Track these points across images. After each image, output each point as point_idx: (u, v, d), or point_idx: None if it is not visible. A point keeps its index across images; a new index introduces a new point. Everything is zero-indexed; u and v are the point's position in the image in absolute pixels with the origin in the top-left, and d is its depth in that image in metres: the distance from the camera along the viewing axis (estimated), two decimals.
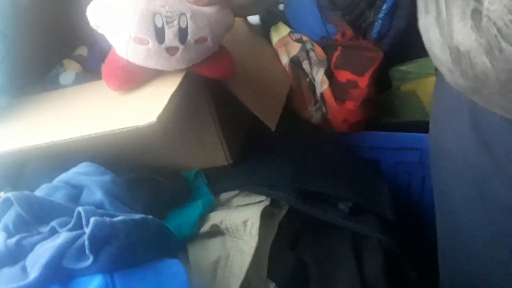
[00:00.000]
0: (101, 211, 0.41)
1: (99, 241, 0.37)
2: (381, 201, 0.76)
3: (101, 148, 0.65)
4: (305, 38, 0.89)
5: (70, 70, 0.75)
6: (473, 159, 0.52)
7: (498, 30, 0.36)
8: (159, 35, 0.54)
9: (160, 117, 0.50)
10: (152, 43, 0.54)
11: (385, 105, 0.91)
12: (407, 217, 0.85)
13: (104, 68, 0.60)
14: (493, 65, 0.38)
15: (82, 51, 0.78)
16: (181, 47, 0.54)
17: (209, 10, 0.56)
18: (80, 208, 0.39)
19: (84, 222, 0.39)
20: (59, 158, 0.59)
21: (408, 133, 0.86)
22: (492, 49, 0.37)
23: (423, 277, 0.69)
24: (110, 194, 0.46)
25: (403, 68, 0.91)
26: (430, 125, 0.63)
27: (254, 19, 0.90)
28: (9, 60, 0.73)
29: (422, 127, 0.87)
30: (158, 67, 0.57)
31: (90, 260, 0.37)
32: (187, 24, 0.54)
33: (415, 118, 0.91)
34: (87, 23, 0.59)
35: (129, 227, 0.39)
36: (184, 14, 0.54)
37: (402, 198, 0.90)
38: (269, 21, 0.92)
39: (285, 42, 0.89)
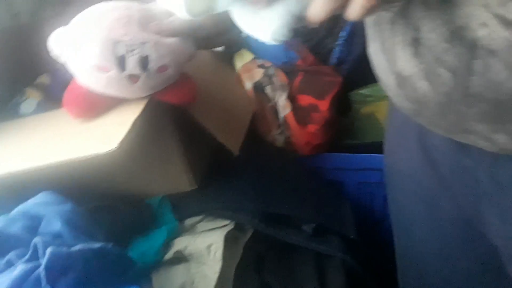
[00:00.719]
0: (58, 241, 0.41)
1: (55, 272, 0.37)
2: (344, 221, 0.78)
3: (62, 177, 0.65)
4: (267, 64, 0.92)
5: (32, 98, 0.75)
6: (422, 177, 0.54)
7: (435, 56, 0.38)
8: (121, 63, 0.55)
9: (121, 144, 0.51)
10: (113, 71, 0.55)
11: (346, 127, 0.94)
12: (371, 237, 0.87)
13: (65, 96, 0.61)
14: (433, 88, 0.40)
15: (44, 79, 0.78)
16: (142, 75, 0.55)
17: (171, 40, 0.58)
18: (36, 239, 0.39)
19: (40, 253, 0.39)
20: (17, 189, 0.59)
21: (369, 154, 0.89)
22: (430, 74, 0.40)
23: None
24: (69, 224, 0.46)
25: (363, 91, 0.95)
26: (384, 146, 0.66)
27: None
28: None
29: (382, 148, 0.91)
30: (119, 94, 0.58)
31: None
32: (149, 53, 0.55)
33: (375, 139, 0.93)
34: (49, 51, 0.60)
35: (87, 256, 0.39)
36: (146, 43, 0.55)
37: (366, 218, 0.92)
38: (233, 47, 0.94)
39: (248, 68, 0.91)
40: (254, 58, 0.93)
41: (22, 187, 0.55)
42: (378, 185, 0.90)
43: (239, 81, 0.90)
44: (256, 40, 1.03)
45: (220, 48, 0.93)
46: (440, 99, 0.41)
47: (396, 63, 0.43)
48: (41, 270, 0.37)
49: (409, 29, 0.40)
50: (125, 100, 0.60)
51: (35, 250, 0.39)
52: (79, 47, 0.56)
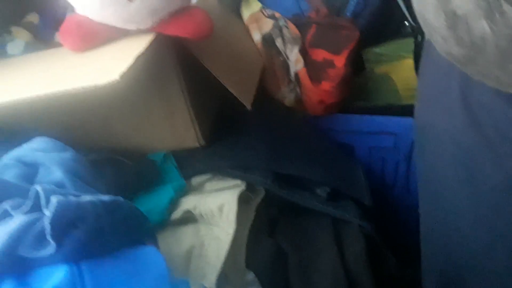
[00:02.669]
0: (62, 190, 0.35)
1: (63, 225, 0.31)
2: (358, 186, 0.74)
3: (57, 122, 0.59)
4: (277, 15, 0.85)
5: (19, 39, 0.67)
6: (462, 137, 0.51)
7: None
8: None
9: (123, 77, 0.44)
10: None
11: (358, 88, 0.89)
12: (381, 203, 0.84)
13: (62, 26, 0.54)
14: (493, 30, 0.36)
15: (33, 18, 0.70)
16: None
17: None
18: (38, 187, 0.33)
19: (42, 203, 0.33)
20: (4, 132, 0.52)
21: (382, 117, 0.85)
22: (492, 12, 0.35)
23: (402, 263, 0.67)
24: (71, 173, 0.40)
25: (377, 50, 0.89)
26: (416, 103, 0.61)
27: None
28: None
29: (396, 111, 0.87)
30: (117, 19, 0.51)
31: (52, 248, 0.31)
32: None
33: (389, 101, 0.89)
34: None
35: (98, 209, 0.34)
36: None
37: (376, 183, 0.88)
38: None
39: (257, 18, 0.84)
40: (263, 8, 0.87)
41: (13, 130, 0.48)
42: (391, 150, 0.86)
43: (247, 32, 0.83)
44: None
45: None
46: (501, 43, 0.36)
47: (450, 0, 0.38)
48: (45, 222, 0.31)
49: None
50: (127, 35, 0.54)
51: (37, 199, 0.33)
52: None
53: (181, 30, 0.54)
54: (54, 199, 0.31)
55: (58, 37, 0.62)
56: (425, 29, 0.48)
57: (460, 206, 0.54)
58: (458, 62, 0.45)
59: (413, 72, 0.84)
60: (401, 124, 0.84)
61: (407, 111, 0.71)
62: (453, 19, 0.39)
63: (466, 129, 0.50)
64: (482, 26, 0.37)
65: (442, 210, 0.57)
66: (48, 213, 0.32)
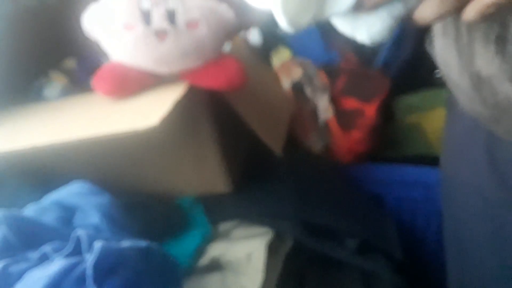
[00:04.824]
0: (101, 235, 0.37)
1: (104, 269, 0.33)
2: (388, 238, 0.74)
3: (89, 169, 0.61)
4: (307, 63, 0.88)
5: (56, 82, 0.71)
6: (488, 193, 0.51)
7: None
8: (146, 17, 0.52)
9: (162, 122, 0.46)
10: (139, 28, 0.52)
11: (388, 137, 0.90)
12: (411, 257, 0.83)
13: (96, 73, 0.58)
14: None
15: (70, 63, 0.74)
16: (170, 30, 0.52)
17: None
18: (80, 231, 0.35)
19: (84, 247, 0.34)
20: (42, 176, 0.55)
21: (413, 167, 0.85)
22: None
23: None
24: (108, 217, 0.42)
25: (407, 99, 0.91)
26: (441, 157, 0.62)
27: (255, 39, 0.89)
28: None
29: (427, 161, 0.87)
30: (149, 59, 0.54)
31: None
32: (175, 6, 0.53)
33: (420, 151, 0.90)
34: (77, 32, 0.57)
35: (136, 255, 0.35)
36: None
37: (406, 236, 0.87)
38: (271, 43, 0.91)
39: (287, 66, 0.88)
40: (293, 56, 0.90)
41: (50, 174, 0.51)
42: (422, 202, 0.86)
43: (277, 79, 0.86)
44: (295, 37, 1.00)
45: (258, 43, 0.89)
46: None
47: (474, 62, 0.40)
48: (88, 267, 0.33)
49: (494, 25, 0.36)
50: (160, 82, 0.57)
51: (78, 243, 0.35)
52: (109, 12, 0.54)
53: (213, 81, 0.57)
54: (97, 244, 0.33)
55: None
56: (449, 86, 0.49)
57: (486, 262, 0.53)
58: (482, 120, 0.46)
59: None
60: (433, 175, 0.83)
61: (438, 162, 0.72)
62: (478, 81, 0.41)
63: (492, 185, 0.50)
64: (506, 88, 0.38)
65: (467, 263, 0.56)
66: (90, 257, 0.33)
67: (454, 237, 0.59)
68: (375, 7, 0.27)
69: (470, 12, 0.27)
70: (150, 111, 0.50)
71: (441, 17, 0.28)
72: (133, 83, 0.57)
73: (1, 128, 0.59)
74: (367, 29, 0.29)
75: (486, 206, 0.51)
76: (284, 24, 0.27)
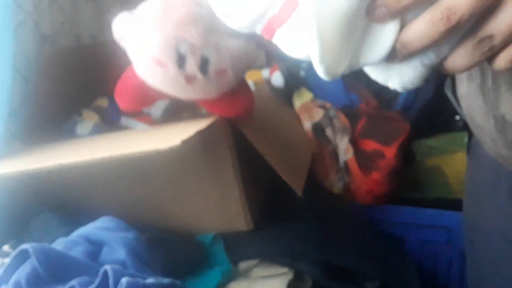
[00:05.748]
0: (128, 271, 0.38)
1: None
2: (409, 282, 0.72)
3: (116, 204, 0.63)
4: (328, 105, 0.90)
5: (88, 120, 0.74)
6: None
7: None
8: (180, 61, 0.53)
9: (185, 142, 0.47)
10: (171, 68, 0.53)
11: (408, 180, 0.90)
12: None
13: (118, 84, 0.59)
14: None
15: (102, 102, 0.78)
16: (201, 77, 0.54)
17: (234, 42, 0.56)
18: (107, 267, 0.36)
19: (110, 282, 0.36)
20: (69, 212, 0.57)
21: (435, 210, 0.84)
22: None
23: None
24: (133, 253, 0.43)
25: (428, 142, 0.92)
26: (464, 200, 0.62)
27: (278, 81, 0.91)
28: (27, 105, 0.72)
29: (448, 204, 0.86)
30: (173, 93, 0.56)
31: None
32: (210, 56, 0.54)
33: (440, 195, 0.90)
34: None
35: None
36: (209, 44, 0.54)
37: (428, 280, 0.86)
38: (293, 85, 0.93)
39: (308, 108, 0.89)
40: (314, 98, 0.92)
41: (79, 210, 0.53)
42: (444, 245, 0.85)
43: (298, 120, 0.88)
44: (316, 80, 1.02)
45: (280, 84, 0.92)
46: None
47: (499, 107, 0.41)
48: None
49: None
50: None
51: (104, 278, 0.36)
52: (141, 36, 0.54)
53: (222, 109, 0.59)
54: (124, 280, 0.34)
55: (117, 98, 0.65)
56: (473, 129, 0.50)
57: None
58: (506, 163, 0.46)
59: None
60: (455, 218, 0.83)
61: (459, 205, 0.72)
62: (503, 124, 0.41)
63: None
64: None
65: None
66: None
67: (478, 280, 0.58)
68: (408, 57, 0.28)
69: (501, 62, 0.27)
70: (174, 137, 0.51)
71: (472, 67, 0.29)
72: (152, 102, 0.59)
73: (35, 162, 0.62)
74: (399, 78, 0.30)
75: (510, 250, 0.51)
76: (321, 72, 0.28)
